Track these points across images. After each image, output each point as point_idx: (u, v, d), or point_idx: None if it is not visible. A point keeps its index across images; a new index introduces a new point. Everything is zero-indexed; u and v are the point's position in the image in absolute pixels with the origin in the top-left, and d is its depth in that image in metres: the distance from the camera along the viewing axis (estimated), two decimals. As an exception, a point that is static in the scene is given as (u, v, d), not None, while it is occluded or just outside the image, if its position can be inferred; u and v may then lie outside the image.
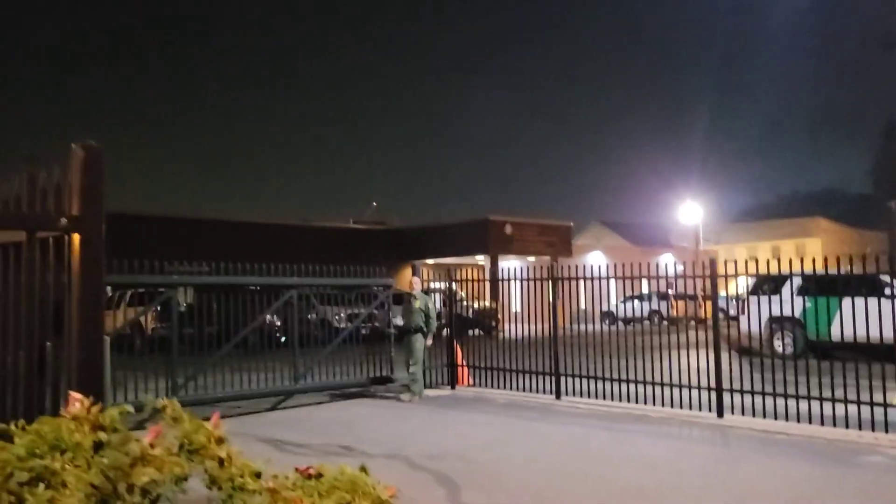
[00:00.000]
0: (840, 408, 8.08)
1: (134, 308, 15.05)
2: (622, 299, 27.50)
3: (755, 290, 14.92)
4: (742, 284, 16.70)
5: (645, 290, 26.03)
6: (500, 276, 12.69)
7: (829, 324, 9.13)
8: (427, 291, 12.50)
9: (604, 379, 10.24)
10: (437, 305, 12.72)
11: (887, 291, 10.30)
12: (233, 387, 10.10)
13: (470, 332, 16.89)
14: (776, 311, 10.95)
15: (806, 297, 13.44)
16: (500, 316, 20.23)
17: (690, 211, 40.62)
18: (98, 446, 2.07)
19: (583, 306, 11.40)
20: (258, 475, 2.36)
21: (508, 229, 32.20)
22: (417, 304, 11.30)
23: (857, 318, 8.00)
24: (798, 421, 8.21)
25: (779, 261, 9.11)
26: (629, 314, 23.73)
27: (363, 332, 12.33)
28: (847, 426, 7.90)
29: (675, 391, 9.45)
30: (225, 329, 10.39)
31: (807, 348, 12.54)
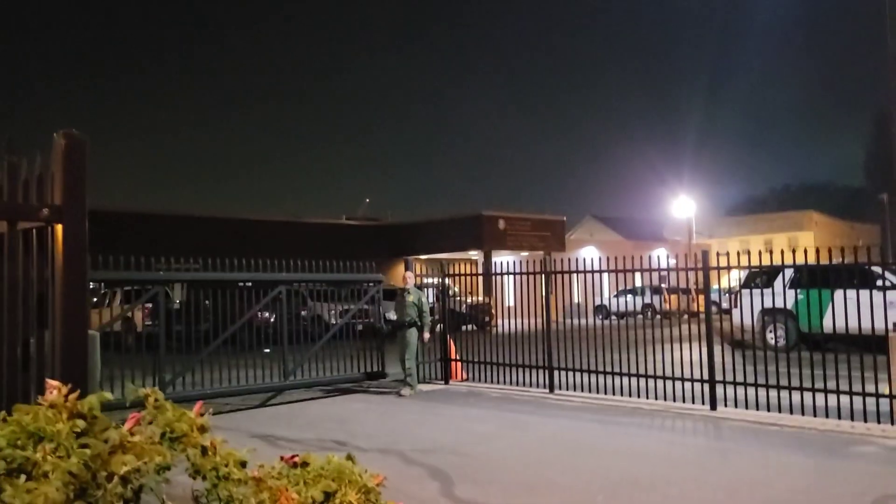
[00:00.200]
0: (832, 399, 8.09)
1: (122, 306, 14.98)
2: (615, 293, 27.57)
3: (747, 283, 14.95)
4: (735, 277, 16.72)
5: (638, 284, 26.13)
6: (492, 271, 12.66)
7: (822, 316, 9.14)
8: (420, 286, 12.48)
9: (597, 372, 10.24)
10: (431, 300, 12.70)
11: (879, 283, 10.32)
12: (221, 384, 10.05)
13: (464, 326, 16.86)
14: (769, 304, 10.94)
15: (798, 290, 13.45)
16: (493, 311, 20.21)
17: (683, 205, 40.72)
18: (78, 435, 2.04)
19: (576, 300, 11.40)
20: (243, 464, 2.34)
21: (502, 224, 32.20)
22: (411, 298, 11.29)
23: (849, 310, 8.01)
24: (791, 412, 8.22)
25: (770, 253, 9.11)
26: (622, 308, 23.77)
27: (358, 327, 12.31)
28: (839, 417, 7.92)
29: (668, 384, 9.46)
30: (216, 326, 10.35)
31: (799, 340, 12.57)
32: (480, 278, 15.00)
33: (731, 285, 16.81)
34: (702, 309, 9.50)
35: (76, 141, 3.16)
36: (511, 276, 12.51)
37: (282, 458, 2.53)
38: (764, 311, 13.07)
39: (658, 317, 19.22)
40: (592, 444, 7.38)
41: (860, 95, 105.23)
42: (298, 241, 25.58)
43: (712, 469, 6.27)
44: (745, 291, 13.98)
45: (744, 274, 14.89)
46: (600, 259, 10.82)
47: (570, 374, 10.63)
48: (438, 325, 12.92)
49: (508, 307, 13.36)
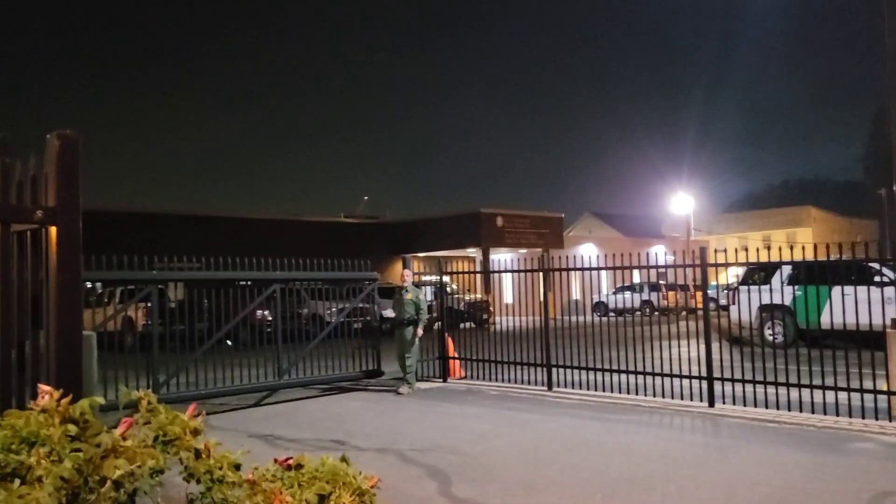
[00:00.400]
0: (830, 395, 8.10)
1: (115, 306, 14.93)
2: (614, 290, 27.60)
3: (746, 280, 14.97)
4: (733, 274, 16.73)
5: (637, 281, 26.14)
6: (490, 268, 12.69)
7: (820, 312, 9.14)
8: (418, 284, 12.48)
9: (595, 370, 10.24)
10: (429, 298, 12.70)
11: (877, 279, 10.32)
12: (215, 384, 10.03)
13: (462, 324, 16.87)
14: (767, 300, 10.95)
15: (796, 286, 13.46)
16: (491, 308, 20.23)
17: (682, 201, 40.71)
18: (71, 440, 2.03)
19: (574, 297, 11.40)
20: (237, 467, 2.33)
21: (500, 222, 32.17)
22: (409, 296, 11.29)
23: (846, 306, 8.00)
24: (789, 409, 8.23)
25: (768, 249, 9.11)
26: (621, 305, 23.79)
27: (356, 325, 12.30)
28: (837, 414, 7.92)
29: (667, 381, 9.46)
30: (214, 325, 10.35)
31: (797, 337, 12.57)
32: (478, 276, 15.00)
33: (730, 282, 16.80)
34: (700, 305, 9.50)
35: (70, 142, 3.14)
36: (509, 274, 12.51)
37: (276, 461, 2.52)
38: (762, 308, 13.09)
39: (656, 313, 19.23)
40: (591, 441, 7.37)
41: (859, 91, 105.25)
42: (297, 240, 25.56)
43: (711, 466, 6.27)
44: (744, 288, 13.99)
45: (742, 270, 14.90)
46: (598, 256, 10.82)
47: (569, 371, 10.63)
48: (437, 323, 12.92)
49: (506, 305, 13.37)
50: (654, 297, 26.85)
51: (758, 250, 9.20)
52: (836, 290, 8.27)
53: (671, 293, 25.98)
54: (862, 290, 7.99)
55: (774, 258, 9.01)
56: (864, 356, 8.39)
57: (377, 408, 9.79)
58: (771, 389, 8.52)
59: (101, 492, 1.96)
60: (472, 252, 34.09)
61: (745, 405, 8.66)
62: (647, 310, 23.98)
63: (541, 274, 11.35)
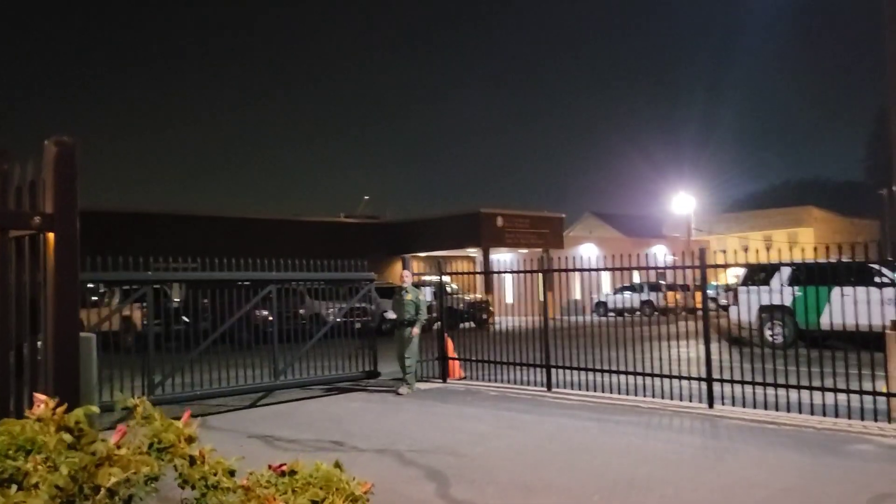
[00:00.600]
0: (830, 397, 8.10)
1: (119, 305, 14.94)
2: (614, 290, 27.59)
3: (746, 281, 14.97)
4: (733, 274, 16.72)
5: (637, 281, 26.13)
6: (489, 269, 12.69)
7: (820, 313, 9.14)
8: (418, 285, 12.48)
9: (595, 370, 10.24)
10: (429, 298, 12.70)
11: (877, 280, 10.31)
12: (211, 384, 10.04)
13: (462, 324, 16.88)
14: (767, 301, 10.95)
15: (796, 287, 13.46)
16: (491, 308, 20.24)
17: (682, 201, 40.66)
18: (67, 448, 2.04)
19: (574, 297, 11.41)
20: (232, 473, 2.34)
21: (500, 222, 32.18)
22: (409, 297, 11.30)
23: (846, 307, 8.00)
24: (788, 410, 8.23)
25: (768, 249, 9.10)
26: (621, 305, 23.80)
27: (356, 325, 12.31)
28: (837, 415, 7.93)
29: (666, 382, 9.46)
30: (214, 325, 10.35)
31: (797, 337, 12.57)
32: (478, 276, 15.01)
33: (730, 282, 16.80)
34: (699, 306, 9.51)
35: (67, 148, 3.15)
36: (509, 274, 12.51)
37: (270, 467, 2.53)
38: (762, 309, 13.10)
39: (656, 314, 19.24)
40: (590, 443, 7.38)
41: (861, 91, 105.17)
42: (297, 240, 25.59)
43: (709, 468, 6.28)
44: (744, 288, 13.99)
45: (742, 271, 14.90)
46: (598, 257, 10.82)
47: (568, 372, 10.63)
48: (436, 323, 12.93)
49: (506, 305, 13.38)
50: (654, 297, 26.87)
51: (757, 251, 9.20)
52: (836, 290, 8.27)
53: (671, 293, 26.00)
54: (862, 290, 7.99)
55: (774, 258, 9.02)
56: (864, 357, 8.39)
57: (376, 408, 9.80)
58: (770, 391, 8.52)
59: (96, 499, 1.97)
60: (473, 252, 34.09)
61: (744, 406, 8.66)
62: (648, 310, 24.02)
63: (540, 274, 11.36)
